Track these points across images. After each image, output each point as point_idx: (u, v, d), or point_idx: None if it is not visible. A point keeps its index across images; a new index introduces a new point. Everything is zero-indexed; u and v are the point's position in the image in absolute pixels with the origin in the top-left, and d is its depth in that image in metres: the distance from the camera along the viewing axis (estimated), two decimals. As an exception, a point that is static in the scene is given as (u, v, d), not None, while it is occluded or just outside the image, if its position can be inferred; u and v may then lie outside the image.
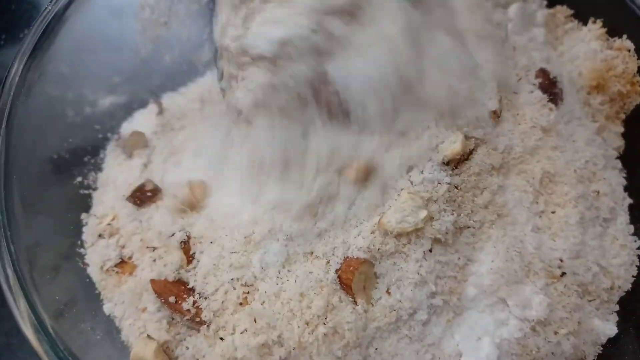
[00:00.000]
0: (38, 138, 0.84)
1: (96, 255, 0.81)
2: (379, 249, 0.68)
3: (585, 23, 0.92)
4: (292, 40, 0.63)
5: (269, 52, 0.64)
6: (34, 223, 0.78)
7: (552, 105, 0.80)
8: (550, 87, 0.81)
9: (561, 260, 0.73)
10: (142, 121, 0.97)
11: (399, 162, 0.70)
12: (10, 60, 0.80)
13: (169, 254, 0.75)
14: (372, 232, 0.68)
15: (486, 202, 0.73)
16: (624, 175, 0.85)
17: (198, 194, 0.78)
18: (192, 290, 0.72)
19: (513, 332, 0.69)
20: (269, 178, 0.72)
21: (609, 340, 0.75)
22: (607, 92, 0.87)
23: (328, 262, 0.69)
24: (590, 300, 0.76)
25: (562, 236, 0.74)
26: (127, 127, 0.96)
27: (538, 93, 0.80)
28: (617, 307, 0.77)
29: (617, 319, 0.76)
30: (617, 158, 0.86)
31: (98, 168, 0.92)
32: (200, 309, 0.70)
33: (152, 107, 0.98)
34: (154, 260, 0.76)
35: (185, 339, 0.73)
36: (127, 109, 0.98)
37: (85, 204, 0.88)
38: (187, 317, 0.70)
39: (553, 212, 0.76)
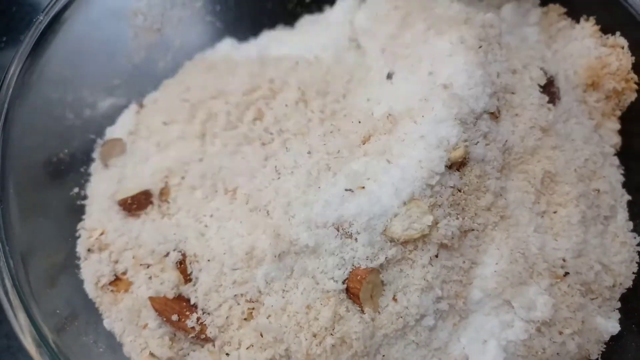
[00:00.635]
0: (35, 144, 0.83)
1: (89, 271, 0.79)
2: (385, 257, 0.67)
3: (578, 21, 0.92)
4: None
5: None
6: (31, 234, 0.77)
7: (550, 105, 0.80)
8: (547, 86, 0.81)
9: (564, 260, 0.73)
10: (123, 123, 0.95)
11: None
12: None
13: (165, 272, 0.74)
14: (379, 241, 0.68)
15: (489, 204, 0.73)
16: (622, 172, 0.86)
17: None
18: (195, 306, 0.71)
19: (519, 334, 0.70)
20: None
21: (612, 337, 0.76)
22: (602, 89, 0.87)
23: (334, 271, 0.68)
24: (592, 299, 0.76)
25: (564, 236, 0.74)
26: (110, 132, 0.94)
27: (536, 93, 0.80)
28: (619, 305, 0.78)
29: (619, 316, 0.77)
30: (615, 155, 0.87)
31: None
32: (205, 325, 0.70)
33: (133, 107, 0.96)
34: (150, 278, 0.75)
35: (189, 354, 0.72)
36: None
37: (82, 214, 0.87)
38: (192, 335, 0.69)
39: (555, 212, 0.76)
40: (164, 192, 0.82)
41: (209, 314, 0.70)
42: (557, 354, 0.71)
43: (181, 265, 0.73)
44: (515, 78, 0.81)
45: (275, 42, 1.01)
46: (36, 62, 0.81)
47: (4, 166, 0.76)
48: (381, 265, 0.68)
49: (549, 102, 0.80)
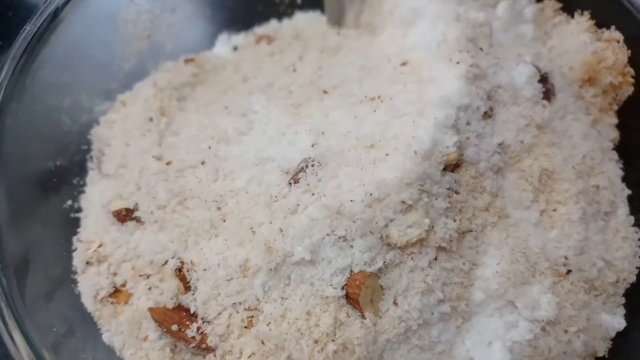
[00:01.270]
0: (28, 152, 0.82)
1: (87, 284, 0.78)
2: (384, 262, 0.66)
3: (573, 16, 0.92)
4: None
5: None
6: (24, 248, 0.75)
7: (545, 102, 0.79)
8: (541, 83, 0.80)
9: (566, 258, 0.73)
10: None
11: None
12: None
13: (165, 282, 0.73)
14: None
15: (486, 204, 0.72)
16: (621, 166, 0.85)
17: None
18: (195, 315, 0.70)
19: (524, 334, 0.69)
20: None
21: (618, 334, 0.75)
22: (599, 84, 0.87)
23: (332, 278, 0.67)
24: (596, 296, 0.75)
25: (565, 233, 0.73)
26: (96, 132, 0.91)
27: (529, 90, 0.79)
28: (623, 300, 0.77)
29: (624, 312, 0.76)
30: (613, 149, 0.86)
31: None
32: (206, 334, 0.69)
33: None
34: (149, 289, 0.73)
35: (190, 364, 0.71)
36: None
37: (76, 226, 0.85)
38: (192, 345, 0.68)
39: (554, 210, 0.75)
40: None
41: (209, 322, 0.69)
42: (564, 352, 0.70)
43: (180, 272, 0.72)
44: (508, 76, 0.80)
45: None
46: (29, 66, 0.80)
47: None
48: (379, 269, 0.67)
49: (543, 98, 0.80)
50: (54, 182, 0.85)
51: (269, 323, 0.67)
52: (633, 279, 0.77)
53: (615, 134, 0.88)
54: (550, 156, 0.76)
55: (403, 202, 0.65)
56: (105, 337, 0.75)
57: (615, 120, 0.88)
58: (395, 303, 0.67)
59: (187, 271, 0.72)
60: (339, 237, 0.66)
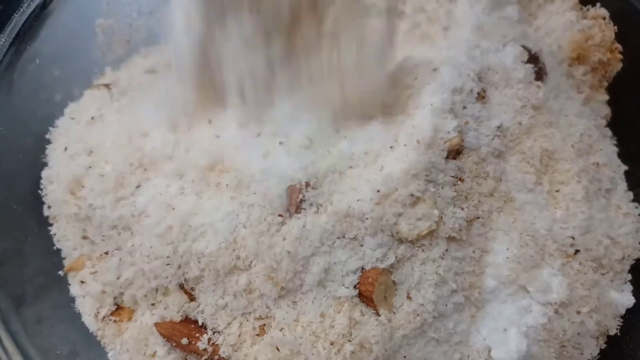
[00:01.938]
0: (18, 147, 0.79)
1: (86, 304, 0.74)
2: (395, 257, 0.65)
3: (557, -6, 0.92)
4: None
5: None
6: (19, 271, 0.73)
7: (539, 82, 0.78)
8: (532, 63, 0.80)
9: (573, 238, 0.72)
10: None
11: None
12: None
13: (168, 295, 0.70)
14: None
15: (491, 189, 0.71)
16: (615, 142, 0.86)
17: None
18: (204, 327, 0.68)
19: (538, 319, 0.68)
20: None
21: (628, 310, 0.75)
22: (588, 62, 0.87)
23: (344, 278, 0.66)
24: (603, 274, 0.75)
25: (570, 213, 0.73)
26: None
27: (521, 70, 0.78)
28: (629, 277, 0.77)
29: (631, 288, 0.76)
30: (606, 126, 0.87)
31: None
32: (217, 345, 0.66)
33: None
34: (153, 304, 0.71)
35: (203, 378, 0.69)
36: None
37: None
38: (205, 357, 0.66)
39: (557, 191, 0.75)
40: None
41: (219, 333, 0.67)
42: (578, 334, 0.70)
43: (183, 286, 0.69)
44: (497, 57, 0.79)
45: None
46: (17, 60, 0.78)
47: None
48: (391, 265, 0.65)
49: (536, 79, 0.79)
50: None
51: (282, 328, 0.65)
52: (638, 254, 0.77)
53: (607, 111, 0.88)
54: (549, 136, 0.75)
55: (411, 194, 0.64)
56: (111, 356, 0.72)
57: (606, 97, 0.88)
58: (409, 297, 0.66)
59: (192, 289, 0.69)
60: (350, 239, 0.64)
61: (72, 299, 0.76)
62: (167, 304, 0.69)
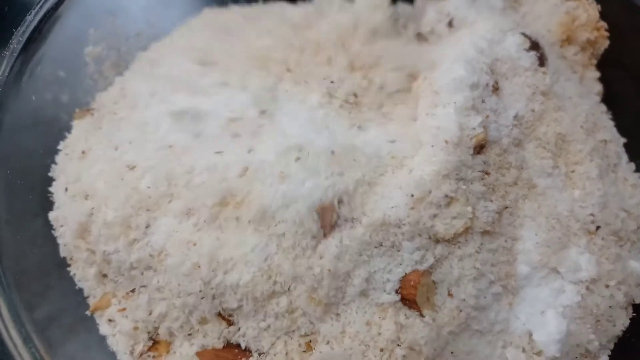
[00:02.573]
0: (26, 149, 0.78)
1: (119, 342, 0.72)
2: (434, 258, 0.65)
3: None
4: None
5: None
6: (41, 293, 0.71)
7: (544, 69, 0.80)
8: (534, 50, 0.81)
9: (593, 215, 0.74)
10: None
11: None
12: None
13: (206, 324, 0.68)
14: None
15: (514, 178, 0.72)
16: (610, 117, 0.88)
17: None
18: (248, 350, 0.67)
19: (572, 298, 0.70)
20: None
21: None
22: (577, 42, 0.89)
23: (385, 284, 0.66)
24: (621, 246, 0.78)
25: (587, 192, 0.75)
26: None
27: (526, 58, 0.80)
28: (644, 246, 0.80)
29: (648, 257, 0.79)
30: (601, 102, 0.89)
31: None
32: (266, 368, 0.65)
33: None
34: (190, 334, 0.69)
35: (254, 403, 0.67)
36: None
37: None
38: (256, 382, 0.65)
39: (573, 172, 0.77)
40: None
41: (265, 354, 0.66)
42: (610, 307, 0.72)
43: (221, 313, 0.67)
44: (503, 48, 0.80)
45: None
46: (27, 62, 0.77)
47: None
48: (431, 266, 0.66)
49: (539, 65, 0.80)
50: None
51: (329, 342, 0.65)
52: (650, 224, 0.80)
53: (599, 87, 0.91)
54: (559, 120, 0.77)
55: (446, 195, 0.65)
56: (153, 393, 0.70)
57: (597, 74, 0.91)
58: (450, 294, 0.66)
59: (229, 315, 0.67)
60: (388, 247, 0.64)
61: (102, 338, 0.73)
62: (205, 332, 0.68)
